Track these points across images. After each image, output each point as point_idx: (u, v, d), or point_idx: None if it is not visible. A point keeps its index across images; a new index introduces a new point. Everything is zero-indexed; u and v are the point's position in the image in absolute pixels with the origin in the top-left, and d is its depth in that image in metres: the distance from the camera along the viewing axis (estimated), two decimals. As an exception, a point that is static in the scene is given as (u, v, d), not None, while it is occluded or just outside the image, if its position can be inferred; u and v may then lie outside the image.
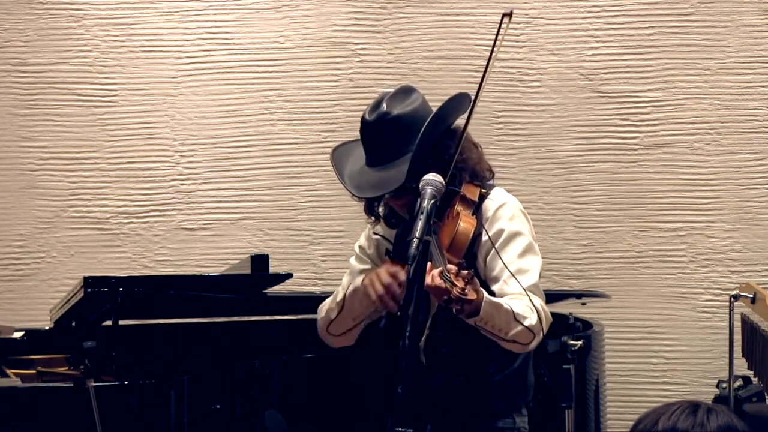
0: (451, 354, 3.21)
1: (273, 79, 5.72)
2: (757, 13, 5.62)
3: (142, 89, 5.71)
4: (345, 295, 3.27)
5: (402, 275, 3.00)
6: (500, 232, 3.15)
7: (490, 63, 3.08)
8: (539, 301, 3.08)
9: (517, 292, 3.05)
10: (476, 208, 3.16)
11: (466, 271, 2.80)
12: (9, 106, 5.69)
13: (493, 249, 3.10)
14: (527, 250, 3.15)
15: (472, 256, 3.13)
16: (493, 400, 3.24)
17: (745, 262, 5.62)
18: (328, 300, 3.39)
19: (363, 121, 3.22)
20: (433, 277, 2.82)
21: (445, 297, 2.79)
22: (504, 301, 3.01)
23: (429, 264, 2.82)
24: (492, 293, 3.08)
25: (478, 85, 3.14)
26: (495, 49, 3.07)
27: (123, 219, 5.69)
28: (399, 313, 2.92)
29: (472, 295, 2.82)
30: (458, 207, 3.11)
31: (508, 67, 5.70)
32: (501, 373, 3.23)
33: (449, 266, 2.81)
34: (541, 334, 3.08)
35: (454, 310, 2.85)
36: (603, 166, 5.68)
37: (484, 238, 3.14)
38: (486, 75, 3.09)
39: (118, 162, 5.70)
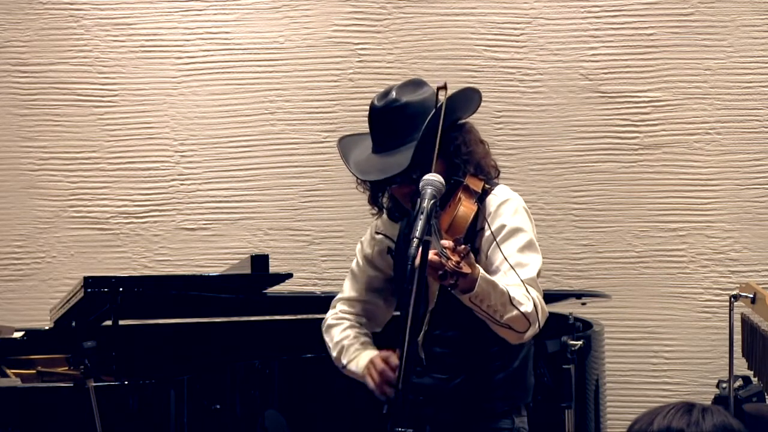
0: (450, 354, 3.21)
1: (273, 79, 5.72)
2: (757, 13, 5.62)
3: (142, 89, 5.71)
4: (346, 365, 3.36)
5: (393, 359, 3.14)
6: (502, 227, 3.15)
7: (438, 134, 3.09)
8: (536, 294, 3.08)
9: (515, 283, 3.04)
10: (479, 201, 3.16)
11: (462, 246, 2.80)
12: (9, 106, 5.69)
13: (494, 242, 3.11)
14: (528, 246, 3.15)
15: (474, 251, 3.12)
16: (493, 400, 3.23)
17: (745, 262, 5.62)
18: (334, 340, 3.42)
19: (372, 107, 3.23)
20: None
21: (440, 272, 2.78)
22: (500, 282, 3.01)
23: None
24: None
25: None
26: (440, 120, 3.08)
27: (123, 219, 5.69)
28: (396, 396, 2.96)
29: (467, 269, 2.81)
30: (461, 195, 3.12)
31: (508, 67, 5.70)
32: (500, 373, 3.23)
33: (444, 242, 2.81)
34: (537, 326, 3.06)
35: (448, 286, 2.84)
36: (603, 166, 5.68)
37: (487, 233, 3.14)
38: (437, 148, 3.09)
39: (118, 162, 5.70)
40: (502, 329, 3.04)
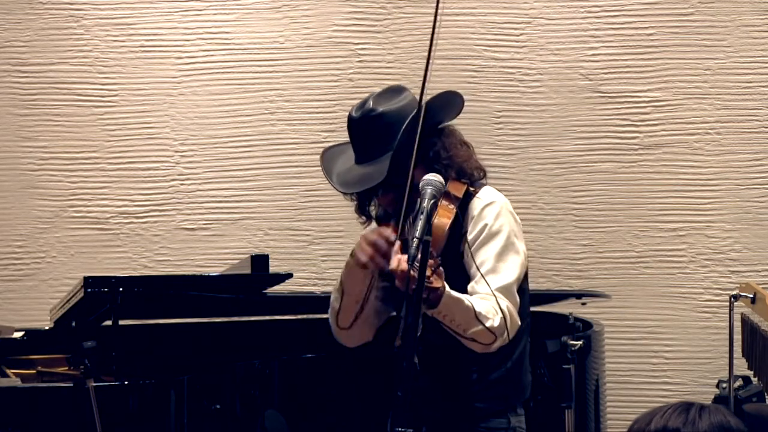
0: (444, 355, 3.21)
1: (273, 79, 5.72)
2: (757, 13, 5.62)
3: (142, 89, 5.71)
4: (342, 277, 3.23)
5: (388, 232, 3.00)
6: (483, 229, 3.15)
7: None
8: (506, 303, 3.08)
9: (486, 293, 3.05)
10: (463, 206, 3.16)
11: (432, 260, 2.80)
12: (9, 106, 5.69)
13: (474, 246, 3.12)
14: (507, 250, 3.15)
15: (458, 255, 3.14)
16: (488, 400, 3.24)
17: (745, 262, 5.62)
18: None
19: (349, 118, 3.25)
20: (399, 261, 2.82)
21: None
22: (466, 298, 3.02)
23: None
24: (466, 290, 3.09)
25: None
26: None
27: (123, 219, 5.69)
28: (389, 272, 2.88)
29: (437, 283, 2.82)
30: (441, 201, 3.11)
31: (508, 67, 5.70)
32: (495, 373, 3.23)
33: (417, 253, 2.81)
34: (506, 336, 3.07)
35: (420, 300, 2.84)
36: (603, 166, 5.68)
37: (468, 236, 3.15)
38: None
39: (118, 162, 5.71)
40: (467, 341, 3.06)
